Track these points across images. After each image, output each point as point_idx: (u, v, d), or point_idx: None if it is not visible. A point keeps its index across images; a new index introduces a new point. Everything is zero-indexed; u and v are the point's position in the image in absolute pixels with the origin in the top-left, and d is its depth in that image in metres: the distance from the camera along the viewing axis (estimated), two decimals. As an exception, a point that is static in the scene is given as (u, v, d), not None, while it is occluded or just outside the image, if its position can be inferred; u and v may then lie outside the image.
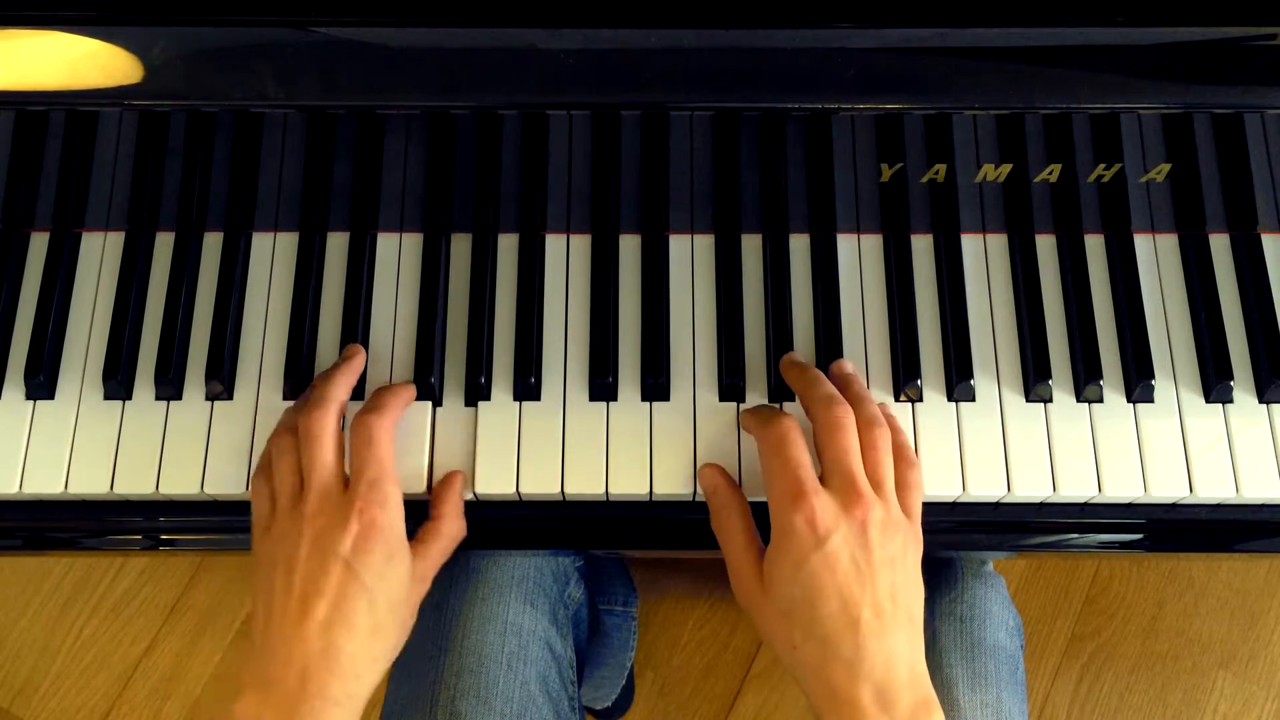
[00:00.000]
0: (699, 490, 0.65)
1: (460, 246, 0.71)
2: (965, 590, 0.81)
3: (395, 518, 0.59)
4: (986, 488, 0.66)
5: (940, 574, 0.83)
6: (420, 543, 0.63)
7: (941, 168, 0.65)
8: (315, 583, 0.57)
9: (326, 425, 0.61)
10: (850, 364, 0.68)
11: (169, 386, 0.68)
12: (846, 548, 0.56)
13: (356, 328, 0.69)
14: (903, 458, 0.62)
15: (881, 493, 0.59)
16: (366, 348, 0.69)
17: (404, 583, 0.60)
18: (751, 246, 0.71)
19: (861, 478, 0.58)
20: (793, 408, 0.67)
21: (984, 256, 0.71)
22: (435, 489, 0.66)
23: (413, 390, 0.67)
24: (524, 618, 0.78)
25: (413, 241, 0.71)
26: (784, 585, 0.57)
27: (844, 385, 0.64)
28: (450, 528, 0.64)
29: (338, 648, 0.56)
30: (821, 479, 0.59)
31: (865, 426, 0.60)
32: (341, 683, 0.56)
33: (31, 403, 0.68)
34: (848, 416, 0.60)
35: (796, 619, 0.57)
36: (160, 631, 1.36)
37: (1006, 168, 0.65)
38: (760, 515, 0.62)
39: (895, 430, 0.64)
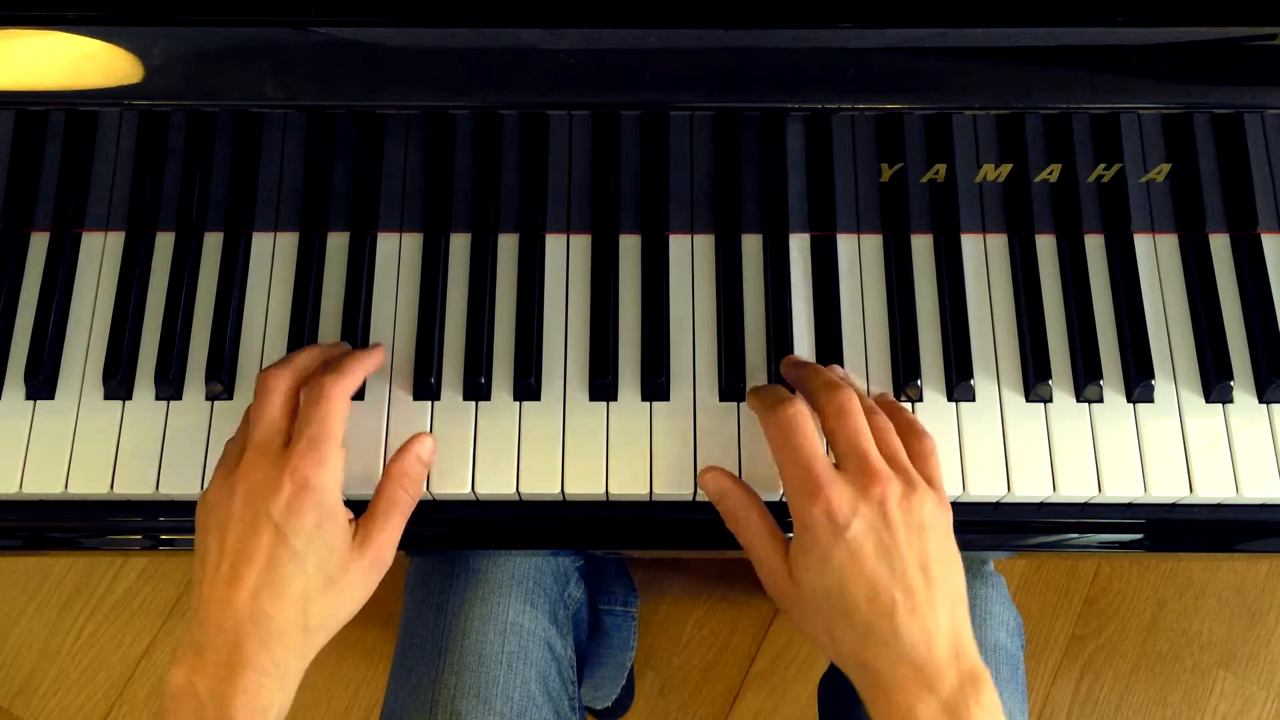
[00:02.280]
0: (699, 490, 0.65)
1: (460, 246, 0.71)
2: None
3: (330, 481, 0.57)
4: (986, 488, 0.66)
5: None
6: (365, 512, 0.60)
7: (941, 168, 0.65)
8: (245, 544, 0.56)
9: (280, 381, 0.60)
10: (840, 370, 0.68)
11: (169, 386, 0.68)
12: (871, 532, 0.55)
13: (356, 328, 0.69)
14: (912, 431, 0.61)
15: (898, 466, 0.58)
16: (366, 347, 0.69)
17: (338, 551, 0.57)
18: (751, 246, 0.71)
19: (875, 454, 0.57)
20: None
21: (984, 256, 0.71)
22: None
23: (378, 358, 0.65)
24: (524, 618, 0.78)
25: (413, 241, 0.71)
26: (813, 580, 0.56)
27: None
28: (392, 489, 0.61)
29: (267, 615, 0.55)
30: (835, 465, 0.58)
31: (868, 413, 0.60)
32: (269, 653, 0.55)
33: (31, 403, 0.68)
34: (852, 399, 0.59)
35: (830, 612, 0.56)
36: (160, 631, 1.36)
37: (1006, 168, 0.65)
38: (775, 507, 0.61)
39: (898, 409, 0.63)
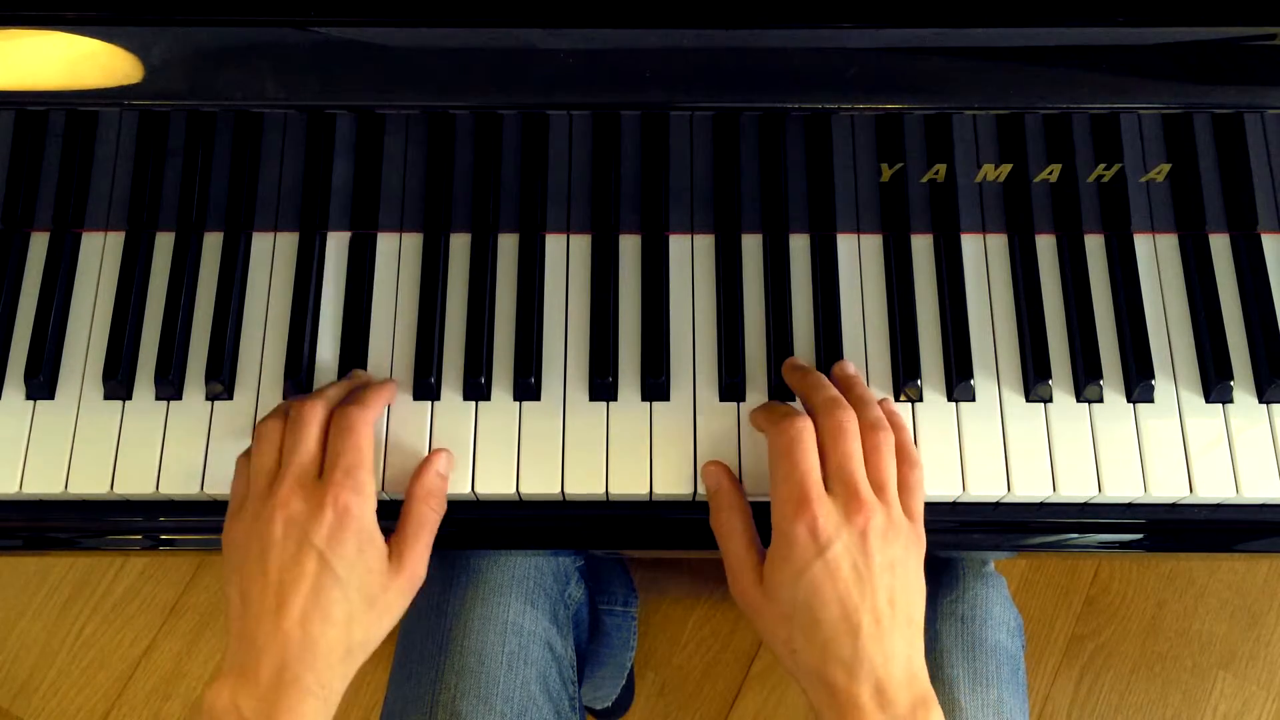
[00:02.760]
0: (699, 490, 0.65)
1: (460, 246, 0.71)
2: (966, 591, 0.81)
3: (368, 508, 0.59)
4: (986, 488, 0.66)
5: (941, 574, 0.83)
6: (395, 532, 0.62)
7: (941, 168, 0.65)
8: (290, 571, 0.57)
9: (316, 413, 0.61)
10: (852, 365, 0.68)
11: (169, 386, 0.68)
12: (848, 556, 0.57)
13: (356, 328, 0.69)
14: (905, 458, 0.62)
15: (883, 496, 0.59)
16: (366, 347, 0.69)
17: (378, 574, 0.59)
18: (751, 246, 0.71)
19: (864, 484, 0.59)
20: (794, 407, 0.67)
21: (984, 256, 0.71)
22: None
23: (395, 388, 0.67)
24: (524, 618, 0.78)
25: (413, 241, 0.71)
26: (785, 590, 0.58)
27: (846, 388, 0.64)
28: (419, 509, 0.63)
29: (313, 639, 0.57)
30: (825, 483, 0.59)
31: (868, 430, 0.61)
32: (315, 674, 0.57)
33: (31, 403, 0.68)
34: (851, 421, 0.60)
35: (797, 623, 0.57)
36: (160, 631, 1.36)
37: (1006, 168, 0.65)
38: (759, 514, 0.62)
39: (899, 429, 0.63)
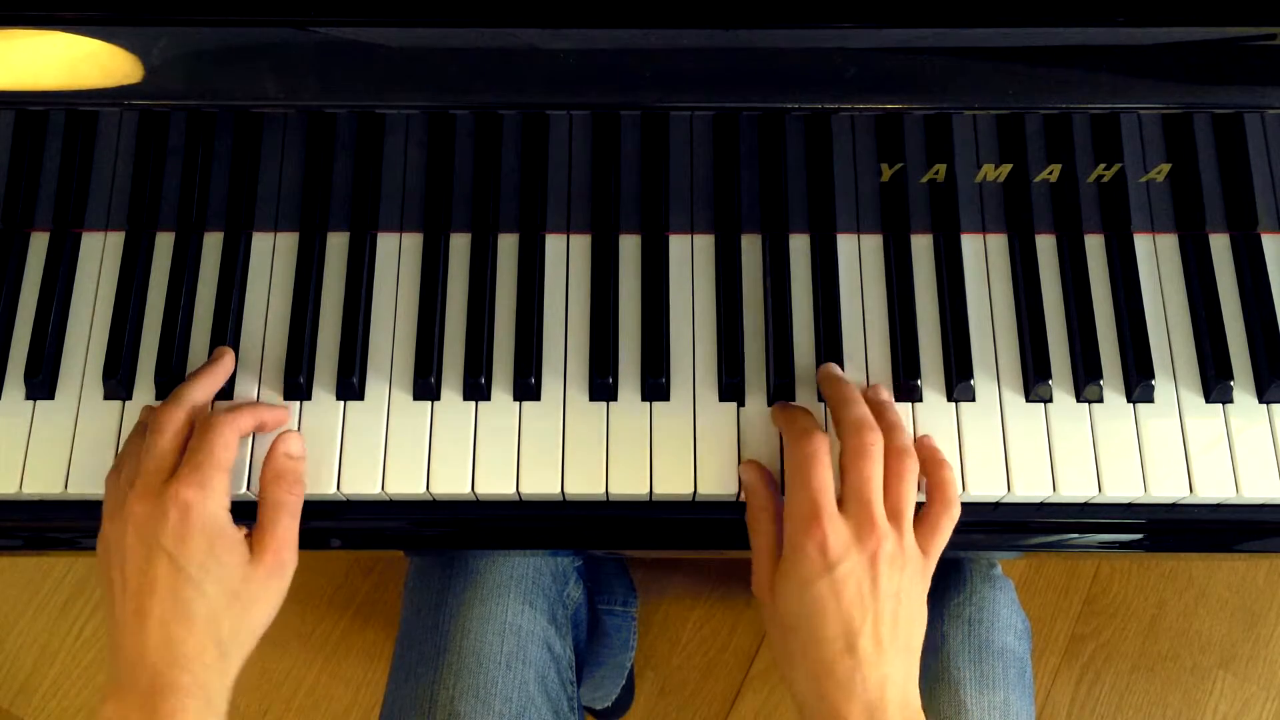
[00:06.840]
0: (699, 490, 0.65)
1: (460, 246, 0.71)
2: (974, 593, 0.81)
3: (215, 504, 0.58)
4: (986, 488, 0.66)
5: (949, 577, 0.83)
6: (256, 522, 0.61)
7: (941, 168, 0.65)
8: (144, 578, 0.57)
9: (172, 419, 0.61)
10: (886, 391, 0.67)
11: (169, 387, 0.68)
12: (854, 576, 0.57)
13: (356, 327, 0.69)
14: (941, 500, 0.62)
15: (897, 523, 0.59)
16: (366, 348, 0.69)
17: (235, 567, 0.59)
18: (751, 246, 0.71)
19: (878, 508, 0.59)
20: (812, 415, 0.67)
21: (984, 256, 0.71)
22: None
23: (282, 417, 0.66)
24: (523, 618, 0.78)
25: (413, 241, 0.71)
26: (790, 601, 0.58)
27: (877, 412, 0.63)
28: (271, 493, 0.62)
29: (179, 641, 0.57)
30: (840, 500, 0.59)
31: (895, 456, 0.61)
32: (190, 674, 0.56)
33: (31, 403, 0.68)
34: (876, 444, 0.60)
35: (798, 636, 0.58)
36: (160, 631, 1.36)
37: (1006, 168, 0.65)
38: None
39: (941, 465, 0.63)
